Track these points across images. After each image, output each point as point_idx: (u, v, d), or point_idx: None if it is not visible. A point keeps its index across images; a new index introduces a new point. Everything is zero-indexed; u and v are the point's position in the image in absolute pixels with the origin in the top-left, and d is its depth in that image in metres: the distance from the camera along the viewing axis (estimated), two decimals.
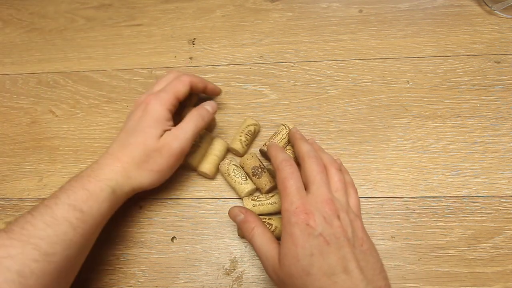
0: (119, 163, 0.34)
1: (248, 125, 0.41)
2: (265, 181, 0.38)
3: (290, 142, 0.40)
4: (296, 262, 0.27)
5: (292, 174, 0.31)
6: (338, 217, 0.29)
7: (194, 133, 0.36)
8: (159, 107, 0.36)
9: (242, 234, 0.33)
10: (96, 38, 0.53)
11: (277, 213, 0.38)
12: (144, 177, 0.35)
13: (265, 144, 0.40)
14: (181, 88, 0.38)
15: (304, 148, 0.33)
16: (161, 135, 0.35)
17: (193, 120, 0.37)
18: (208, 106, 0.39)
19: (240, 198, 0.39)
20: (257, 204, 0.37)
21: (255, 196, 0.37)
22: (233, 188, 0.39)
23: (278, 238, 0.36)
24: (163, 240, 0.38)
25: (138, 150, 0.35)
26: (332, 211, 0.29)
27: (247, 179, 0.38)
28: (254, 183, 0.38)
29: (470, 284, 0.34)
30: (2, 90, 0.50)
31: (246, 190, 0.37)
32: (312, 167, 0.31)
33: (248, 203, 0.37)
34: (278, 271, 0.29)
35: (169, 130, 0.36)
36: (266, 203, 0.37)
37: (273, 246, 0.30)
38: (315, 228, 0.28)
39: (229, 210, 0.34)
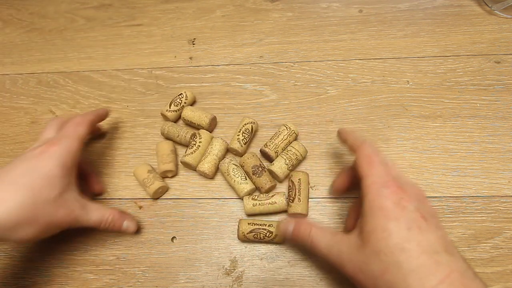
0: None
1: (245, 124, 0.41)
2: (265, 180, 0.38)
3: (289, 143, 0.40)
4: (387, 236, 0.25)
5: (379, 153, 0.30)
6: (427, 199, 0.28)
7: None
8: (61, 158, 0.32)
9: (301, 242, 0.31)
10: (96, 38, 0.53)
11: (277, 213, 0.38)
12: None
13: (265, 144, 0.40)
14: (82, 130, 0.36)
15: (356, 137, 0.32)
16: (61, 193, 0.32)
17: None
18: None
19: (240, 198, 0.39)
20: (257, 204, 0.37)
21: (255, 196, 0.37)
22: (233, 188, 0.39)
23: (276, 244, 0.37)
24: (163, 240, 0.38)
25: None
26: (421, 193, 0.28)
27: (246, 179, 0.38)
28: (254, 182, 0.38)
29: None
30: (2, 90, 0.50)
31: (245, 190, 0.37)
32: (376, 151, 0.30)
33: (248, 203, 0.37)
34: (359, 255, 0.26)
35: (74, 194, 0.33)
36: (266, 202, 0.37)
37: (340, 236, 0.28)
38: (410, 202, 0.26)
39: (279, 226, 0.33)
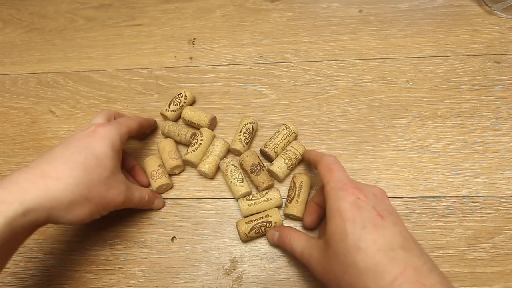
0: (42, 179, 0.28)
1: (246, 124, 0.41)
2: (263, 179, 0.38)
3: (289, 143, 0.40)
4: (345, 237, 0.25)
5: (338, 163, 0.31)
6: (387, 197, 0.29)
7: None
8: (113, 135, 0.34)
9: (283, 247, 0.33)
10: (96, 38, 0.53)
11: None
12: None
13: (265, 144, 0.40)
14: (133, 124, 0.37)
15: (317, 153, 0.35)
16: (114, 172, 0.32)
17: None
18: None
19: (236, 199, 0.39)
20: (253, 203, 0.37)
21: (250, 196, 0.37)
22: (229, 188, 0.39)
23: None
24: (163, 240, 0.38)
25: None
26: (380, 191, 0.29)
27: (243, 181, 0.38)
28: (252, 181, 0.38)
29: (470, 284, 0.34)
30: (2, 90, 0.50)
31: (240, 192, 0.37)
32: (335, 161, 0.32)
33: (244, 204, 0.37)
34: (325, 257, 0.27)
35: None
36: (262, 200, 0.37)
37: (313, 240, 0.30)
38: (367, 202, 0.26)
39: (267, 237, 0.36)
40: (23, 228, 0.26)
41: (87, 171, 0.30)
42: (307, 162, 0.37)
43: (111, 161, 0.32)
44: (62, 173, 0.29)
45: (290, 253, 0.33)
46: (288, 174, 0.39)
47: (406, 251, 0.24)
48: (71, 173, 0.29)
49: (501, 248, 0.35)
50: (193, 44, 0.51)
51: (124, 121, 0.37)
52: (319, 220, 0.36)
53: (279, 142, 0.40)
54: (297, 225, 0.37)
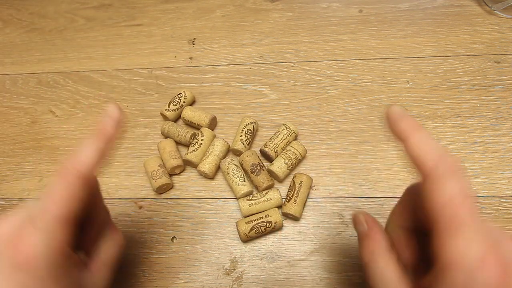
0: None
1: (247, 124, 0.41)
2: (263, 179, 0.38)
3: (288, 142, 0.40)
4: None
5: (467, 193, 0.18)
6: None
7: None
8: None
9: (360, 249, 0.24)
10: (96, 38, 0.53)
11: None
12: None
13: (265, 144, 0.40)
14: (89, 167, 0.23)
15: (438, 146, 0.19)
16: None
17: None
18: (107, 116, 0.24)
19: (237, 199, 0.39)
20: (253, 203, 0.37)
21: (250, 196, 0.37)
22: (230, 187, 0.39)
23: (278, 230, 0.37)
24: (163, 240, 0.38)
25: None
26: None
27: (245, 181, 0.38)
28: (252, 181, 0.38)
29: None
30: (2, 90, 0.50)
31: (242, 192, 0.37)
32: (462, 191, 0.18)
33: (244, 204, 0.37)
34: None
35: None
36: (262, 200, 0.37)
37: None
38: None
39: (353, 215, 0.25)
40: None
41: None
42: (395, 137, 0.22)
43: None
44: None
45: (359, 260, 0.24)
46: (288, 174, 0.39)
47: None
48: None
49: None
50: (193, 44, 0.51)
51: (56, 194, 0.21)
52: (421, 255, 0.23)
53: (279, 142, 0.40)
54: (297, 225, 0.37)
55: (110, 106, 0.24)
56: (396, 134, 0.21)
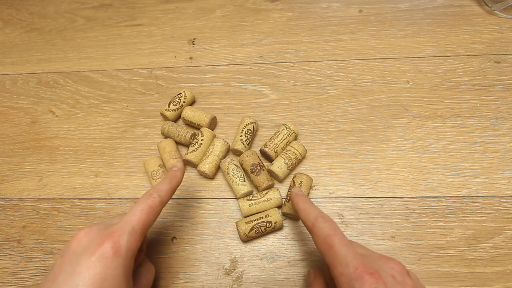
0: None
1: (247, 124, 0.41)
2: (262, 179, 0.38)
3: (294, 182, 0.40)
4: None
5: (336, 230, 0.26)
6: (408, 273, 0.24)
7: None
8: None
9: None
10: (96, 38, 0.53)
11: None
12: None
13: (265, 144, 0.40)
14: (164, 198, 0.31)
15: (307, 214, 0.29)
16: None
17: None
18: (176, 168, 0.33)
19: (237, 199, 0.39)
20: (253, 203, 0.37)
21: (250, 196, 0.37)
22: (230, 187, 0.39)
23: (278, 230, 0.37)
24: (163, 240, 0.38)
25: None
26: (399, 267, 0.24)
27: (245, 181, 0.38)
28: (252, 181, 0.38)
29: (470, 284, 0.34)
30: (2, 90, 0.50)
31: (242, 192, 0.37)
32: (332, 228, 0.26)
33: (244, 204, 0.37)
34: None
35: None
36: (262, 200, 0.37)
37: None
38: None
39: (308, 271, 0.32)
40: None
41: None
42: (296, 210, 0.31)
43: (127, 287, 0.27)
44: None
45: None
46: (288, 174, 0.39)
47: None
48: None
49: (501, 248, 0.35)
50: (193, 44, 0.51)
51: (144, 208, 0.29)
52: None
53: (279, 142, 0.40)
54: (297, 225, 0.37)
55: (178, 163, 0.33)
56: (295, 208, 0.31)
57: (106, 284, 0.25)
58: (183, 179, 0.35)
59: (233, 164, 0.39)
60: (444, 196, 0.38)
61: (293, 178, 0.38)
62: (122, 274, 0.26)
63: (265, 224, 0.35)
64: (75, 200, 0.41)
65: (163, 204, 0.30)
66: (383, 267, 0.24)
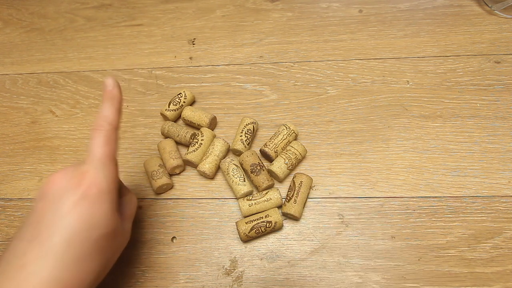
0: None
1: (247, 124, 0.41)
2: (262, 179, 0.38)
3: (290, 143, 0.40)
4: None
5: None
6: None
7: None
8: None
9: None
10: (96, 38, 0.53)
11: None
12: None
13: (265, 144, 0.40)
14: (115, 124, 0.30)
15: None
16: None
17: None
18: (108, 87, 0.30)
19: (237, 199, 0.39)
20: (253, 203, 0.37)
21: (250, 196, 0.37)
22: (230, 187, 0.39)
23: (278, 230, 0.37)
24: (163, 240, 0.38)
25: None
26: None
27: (245, 181, 0.38)
28: (252, 181, 0.38)
29: (470, 284, 0.34)
30: (2, 90, 0.50)
31: (242, 192, 0.37)
32: None
33: (244, 204, 0.37)
34: None
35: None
36: (262, 200, 0.37)
37: None
38: None
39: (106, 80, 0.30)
40: None
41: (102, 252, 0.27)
42: None
43: (115, 221, 0.28)
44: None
45: None
46: (288, 174, 0.39)
47: None
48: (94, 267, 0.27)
49: (501, 248, 0.35)
50: (193, 44, 0.51)
51: (104, 141, 0.28)
52: None
53: (279, 142, 0.40)
54: (297, 225, 0.37)
55: (108, 79, 0.30)
56: None
57: (94, 221, 0.26)
58: (180, 177, 0.35)
59: (233, 164, 0.39)
60: (444, 196, 0.38)
61: (293, 178, 0.38)
62: (108, 209, 0.27)
63: (265, 224, 0.35)
64: None
65: (116, 128, 0.29)
66: None
